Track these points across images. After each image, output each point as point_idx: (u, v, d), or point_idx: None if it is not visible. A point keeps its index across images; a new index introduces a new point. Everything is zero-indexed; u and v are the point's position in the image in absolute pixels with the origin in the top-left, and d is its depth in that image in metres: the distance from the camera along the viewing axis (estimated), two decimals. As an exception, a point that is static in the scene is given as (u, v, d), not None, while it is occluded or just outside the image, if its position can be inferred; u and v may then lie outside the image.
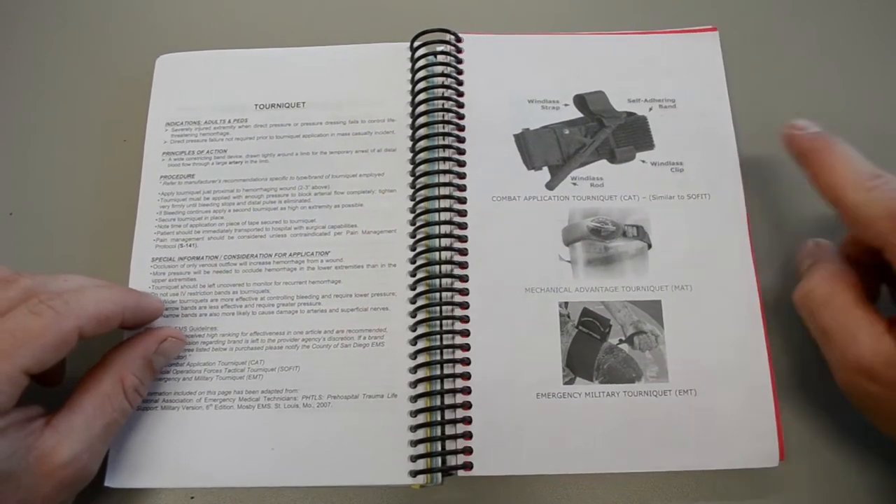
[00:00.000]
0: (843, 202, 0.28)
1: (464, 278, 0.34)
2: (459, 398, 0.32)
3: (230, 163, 0.37)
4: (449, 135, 0.36)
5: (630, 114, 0.37)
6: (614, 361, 0.33)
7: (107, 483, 0.31)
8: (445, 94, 0.37)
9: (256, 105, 0.38)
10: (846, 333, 0.27)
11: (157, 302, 0.32)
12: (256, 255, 0.35)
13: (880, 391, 0.26)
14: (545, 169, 0.36)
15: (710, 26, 0.39)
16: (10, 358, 0.25)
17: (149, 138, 0.38)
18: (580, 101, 0.38)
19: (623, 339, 0.33)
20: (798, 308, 0.30)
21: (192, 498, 0.32)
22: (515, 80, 0.38)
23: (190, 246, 0.35)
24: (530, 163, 0.36)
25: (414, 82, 0.38)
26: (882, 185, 0.27)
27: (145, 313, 0.31)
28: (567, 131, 0.36)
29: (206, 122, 0.38)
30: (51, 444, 0.27)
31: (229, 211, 0.36)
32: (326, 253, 0.35)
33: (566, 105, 0.38)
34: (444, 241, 0.34)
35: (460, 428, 0.32)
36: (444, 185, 0.36)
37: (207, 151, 0.37)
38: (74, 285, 0.29)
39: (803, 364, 0.33)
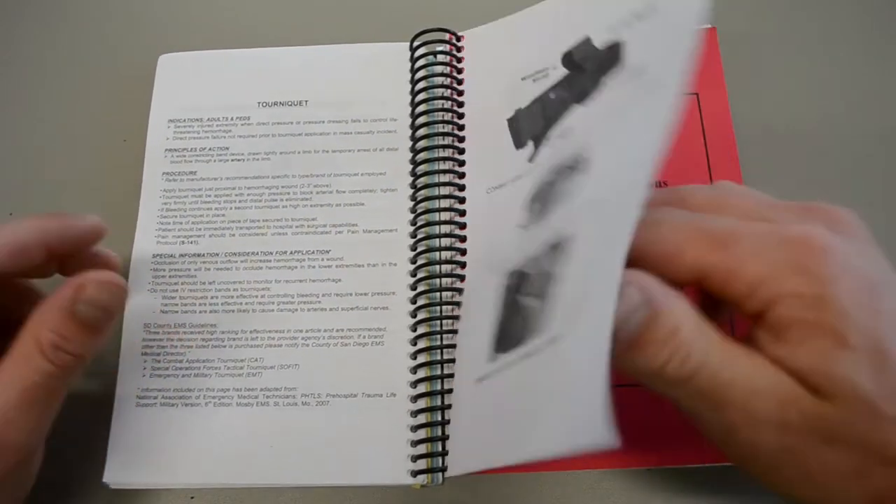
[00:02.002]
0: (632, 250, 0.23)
1: (464, 277, 0.34)
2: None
3: (232, 160, 0.37)
4: (449, 134, 0.36)
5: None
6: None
7: (105, 479, 0.31)
8: (445, 94, 0.37)
9: (259, 103, 0.38)
10: (743, 390, 0.21)
11: (94, 223, 0.28)
12: (257, 253, 0.35)
13: (794, 441, 0.21)
14: (530, 143, 0.33)
15: (709, 26, 0.40)
16: None
17: (150, 135, 0.38)
18: (568, 58, 0.33)
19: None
20: (673, 376, 0.22)
21: (191, 498, 0.32)
22: (510, 65, 0.37)
23: (191, 243, 0.35)
24: (518, 141, 0.34)
25: (414, 82, 0.38)
26: (666, 215, 0.24)
27: (76, 234, 0.28)
28: (553, 95, 0.33)
29: (208, 120, 0.38)
30: None
31: (231, 208, 0.36)
32: (327, 252, 0.35)
33: (555, 69, 0.34)
34: (445, 241, 0.34)
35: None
36: (445, 184, 0.36)
37: (210, 149, 0.37)
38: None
39: None
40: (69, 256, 0.28)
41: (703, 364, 0.22)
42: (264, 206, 0.36)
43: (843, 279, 0.21)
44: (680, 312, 0.22)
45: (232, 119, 0.38)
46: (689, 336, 0.22)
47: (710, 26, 0.39)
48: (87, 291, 0.26)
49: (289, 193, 0.36)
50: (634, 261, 0.22)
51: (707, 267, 0.23)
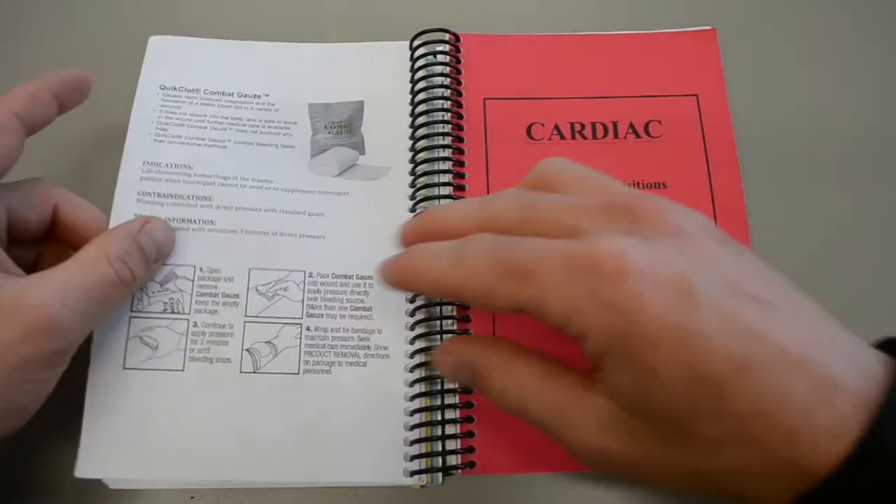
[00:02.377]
0: (458, 295, 0.25)
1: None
2: (460, 397, 0.32)
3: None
4: (449, 134, 0.36)
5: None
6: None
7: (103, 479, 0.30)
8: (445, 94, 0.37)
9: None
10: (557, 419, 0.23)
11: (78, 71, 0.32)
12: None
13: (626, 457, 0.23)
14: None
15: (709, 26, 0.40)
16: None
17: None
18: None
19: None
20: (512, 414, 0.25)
21: (192, 498, 0.32)
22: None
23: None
24: None
25: (414, 82, 0.38)
26: (471, 247, 0.24)
27: (70, 79, 0.31)
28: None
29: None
30: (21, 286, 0.26)
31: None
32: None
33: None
34: (445, 241, 0.34)
35: (461, 427, 0.32)
36: (445, 184, 0.36)
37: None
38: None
39: None
40: (73, 104, 0.32)
41: (520, 403, 0.24)
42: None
43: (646, 303, 0.20)
44: (494, 361, 0.25)
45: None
46: (498, 383, 0.25)
47: (709, 27, 0.40)
48: (151, 225, 0.31)
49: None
50: (459, 298, 0.25)
51: (519, 302, 0.23)
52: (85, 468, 0.30)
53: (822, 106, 0.39)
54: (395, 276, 0.27)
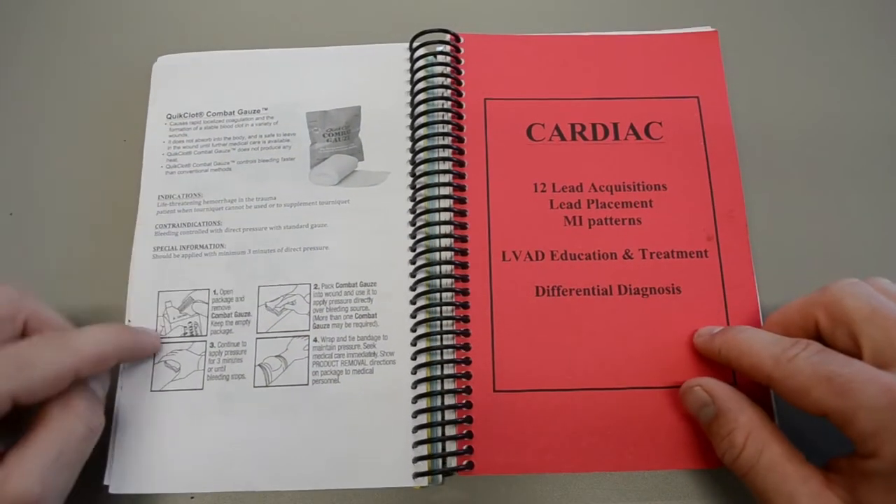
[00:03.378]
0: (770, 380, 0.27)
1: (464, 278, 0.34)
2: (460, 398, 0.32)
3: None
4: (449, 135, 0.36)
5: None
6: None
7: (106, 482, 0.31)
8: (445, 94, 0.37)
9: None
10: (783, 497, 0.26)
11: (154, 337, 0.33)
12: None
13: None
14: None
15: (710, 27, 0.39)
16: (2, 378, 0.25)
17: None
18: None
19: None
20: (730, 467, 0.28)
21: (192, 497, 0.32)
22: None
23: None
24: None
25: (413, 82, 0.38)
26: (801, 352, 0.27)
27: (143, 352, 0.32)
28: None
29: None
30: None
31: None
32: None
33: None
34: (445, 241, 0.34)
35: (461, 428, 0.32)
36: (445, 184, 0.36)
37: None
38: (51, 314, 0.30)
39: None
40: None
41: (751, 467, 0.27)
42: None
43: None
44: (744, 420, 0.28)
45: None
46: (740, 440, 0.27)
47: (710, 28, 0.39)
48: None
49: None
50: (770, 383, 0.27)
51: (827, 409, 0.25)
52: (118, 485, 0.31)
53: (822, 107, 0.39)
54: (724, 344, 0.30)
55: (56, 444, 0.27)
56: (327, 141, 0.37)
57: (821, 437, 0.27)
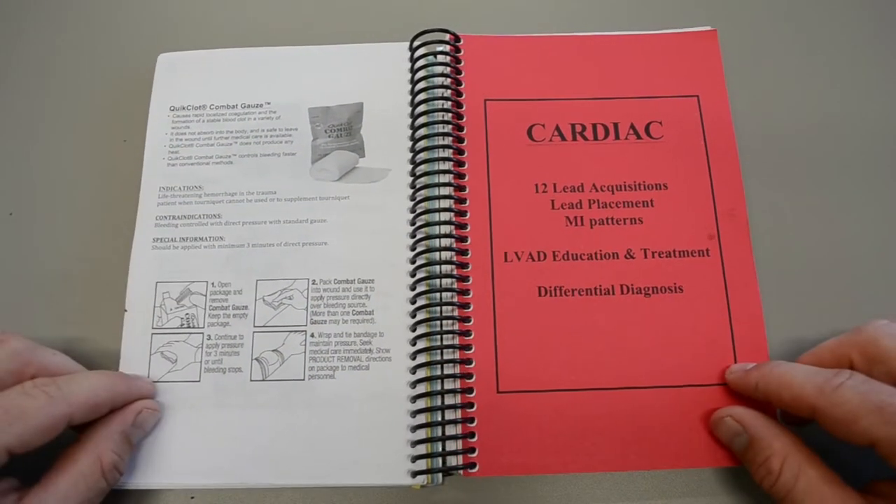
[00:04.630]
0: (814, 410, 0.27)
1: (464, 278, 0.34)
2: (461, 398, 0.32)
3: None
4: (449, 135, 0.36)
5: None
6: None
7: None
8: (445, 94, 0.37)
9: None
10: None
11: (148, 385, 0.32)
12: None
13: None
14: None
15: (709, 26, 0.40)
16: None
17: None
18: None
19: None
20: (768, 493, 0.28)
21: (192, 498, 0.32)
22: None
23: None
24: None
25: (413, 82, 0.38)
26: (846, 381, 0.26)
27: (136, 399, 0.32)
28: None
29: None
30: None
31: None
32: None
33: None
34: (445, 241, 0.34)
35: (462, 428, 0.32)
36: (444, 185, 0.36)
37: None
38: (60, 361, 0.30)
39: None
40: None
41: (788, 491, 0.27)
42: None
43: None
44: (778, 446, 0.28)
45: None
46: (776, 465, 0.27)
47: (710, 28, 0.40)
48: (141, 418, 0.31)
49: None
50: (815, 414, 0.27)
51: (874, 438, 0.25)
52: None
53: (822, 106, 0.39)
54: (762, 378, 0.30)
55: (76, 491, 0.27)
56: (329, 137, 0.37)
57: (858, 460, 0.27)
